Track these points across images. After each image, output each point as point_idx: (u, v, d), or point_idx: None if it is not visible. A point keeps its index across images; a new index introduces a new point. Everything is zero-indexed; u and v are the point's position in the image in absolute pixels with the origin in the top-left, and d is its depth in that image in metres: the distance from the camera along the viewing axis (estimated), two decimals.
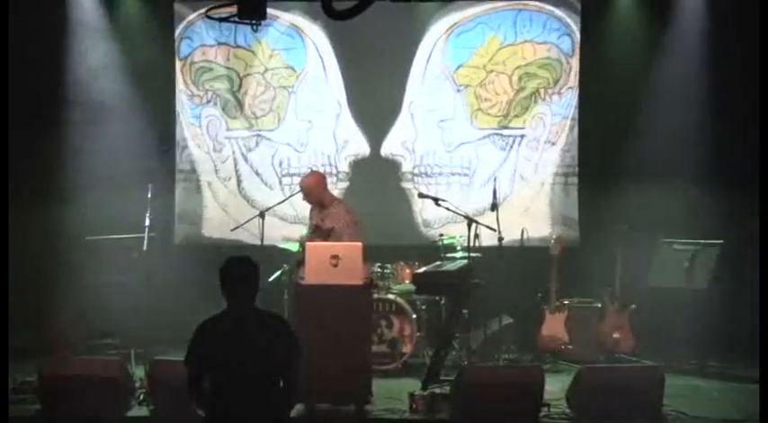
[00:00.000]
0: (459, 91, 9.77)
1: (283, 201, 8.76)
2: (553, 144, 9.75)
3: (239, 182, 9.92)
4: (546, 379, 6.71)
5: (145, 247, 8.33)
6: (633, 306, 8.67)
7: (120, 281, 8.57)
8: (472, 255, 8.00)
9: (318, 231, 7.75)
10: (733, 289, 8.59)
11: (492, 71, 9.73)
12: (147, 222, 8.22)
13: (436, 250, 8.90)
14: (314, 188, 7.95)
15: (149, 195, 7.89)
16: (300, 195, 8.44)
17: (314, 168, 9.30)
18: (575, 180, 9.74)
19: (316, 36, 9.82)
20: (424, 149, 9.83)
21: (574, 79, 9.68)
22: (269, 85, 9.87)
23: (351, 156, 9.88)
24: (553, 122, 9.73)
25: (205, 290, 7.72)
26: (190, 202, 9.97)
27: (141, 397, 6.96)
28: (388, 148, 9.85)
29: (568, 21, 9.66)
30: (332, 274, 6.90)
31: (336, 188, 9.81)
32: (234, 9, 6.25)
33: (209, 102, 9.93)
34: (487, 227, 8.12)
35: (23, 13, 8.86)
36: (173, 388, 6.15)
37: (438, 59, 9.79)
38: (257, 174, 9.91)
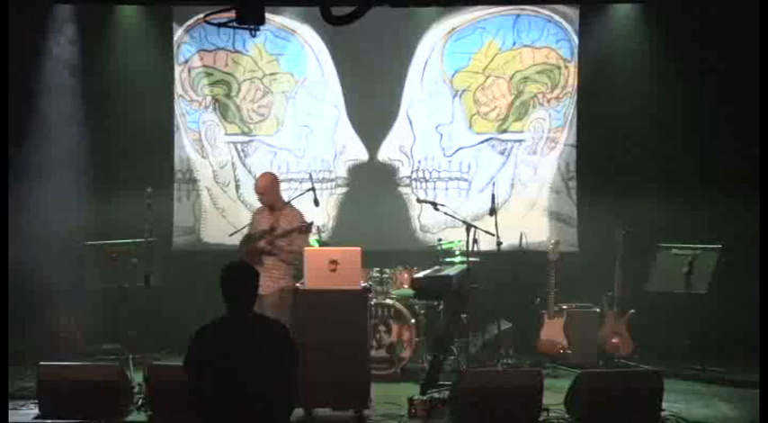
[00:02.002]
0: (457, 96, 9.78)
1: None
2: (552, 149, 9.75)
3: (237, 187, 9.91)
4: (545, 383, 6.71)
5: (144, 252, 8.32)
6: (632, 311, 8.68)
7: (118, 286, 8.56)
8: (471, 259, 8.01)
9: (271, 233, 7.64)
10: (732, 293, 8.59)
11: (490, 76, 9.74)
12: (147, 227, 8.20)
13: (435, 255, 8.91)
14: (270, 187, 7.85)
15: (148, 200, 7.88)
16: (298, 200, 8.48)
17: (312, 173, 9.29)
18: (573, 185, 9.74)
19: (314, 41, 9.83)
20: (422, 154, 9.84)
21: (572, 84, 9.69)
22: (267, 91, 9.88)
23: (349, 161, 9.88)
24: (551, 127, 9.74)
25: (204, 295, 7.74)
26: (188, 207, 9.96)
27: (140, 402, 6.95)
28: (386, 152, 9.86)
29: (567, 26, 9.67)
30: (330, 279, 6.90)
31: (335, 193, 9.84)
32: (232, 14, 6.26)
33: (207, 107, 9.93)
34: (486, 232, 8.13)
35: (27, 21, 8.93)
36: (171, 393, 6.14)
37: (436, 64, 9.80)
38: (256, 179, 9.88)
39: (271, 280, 7.47)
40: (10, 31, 8.01)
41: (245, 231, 8.39)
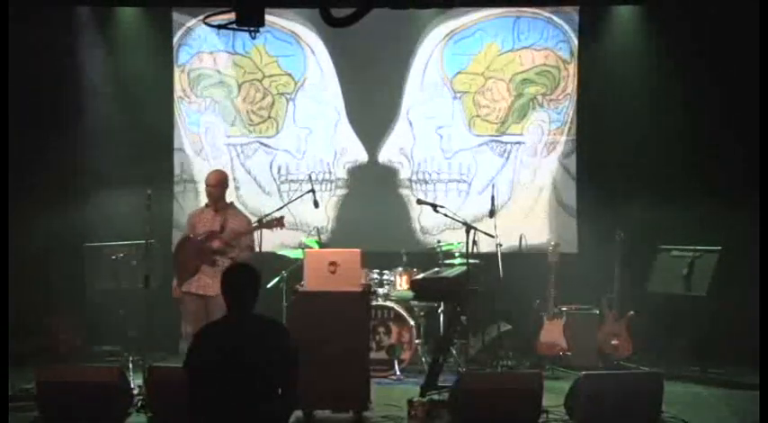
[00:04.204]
0: (457, 97, 9.78)
1: (281, 207, 8.75)
2: (551, 150, 9.76)
3: (237, 188, 9.90)
4: (544, 385, 6.70)
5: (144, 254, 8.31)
6: (631, 312, 8.68)
7: (118, 288, 8.56)
8: (470, 261, 8.00)
9: (221, 233, 7.54)
10: (731, 295, 8.58)
11: (490, 78, 9.75)
12: (146, 229, 8.20)
13: (435, 257, 8.92)
14: (223, 183, 7.80)
15: (148, 202, 7.88)
16: (297, 202, 8.53)
17: (312, 175, 9.31)
18: (573, 186, 9.75)
19: (314, 43, 9.84)
20: (422, 156, 9.84)
21: (572, 86, 9.70)
22: (267, 92, 9.88)
23: (349, 163, 9.88)
24: (551, 129, 9.75)
25: None
26: (188, 208, 9.93)
27: (139, 404, 6.95)
28: (386, 154, 9.87)
29: (566, 28, 9.68)
30: (330, 281, 6.91)
31: (335, 195, 9.84)
32: (232, 16, 6.25)
33: (207, 108, 9.93)
34: (485, 233, 8.13)
35: (30, 22, 8.94)
36: (170, 394, 6.13)
37: (436, 66, 9.80)
38: (255, 180, 9.91)
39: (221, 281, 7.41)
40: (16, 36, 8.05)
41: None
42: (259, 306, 4.66)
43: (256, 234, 7.83)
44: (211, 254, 7.49)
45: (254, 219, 7.91)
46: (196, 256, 7.51)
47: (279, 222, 7.66)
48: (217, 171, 8.06)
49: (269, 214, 8.32)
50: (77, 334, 9.10)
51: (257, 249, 7.95)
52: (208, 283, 7.46)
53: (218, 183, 7.76)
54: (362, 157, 9.88)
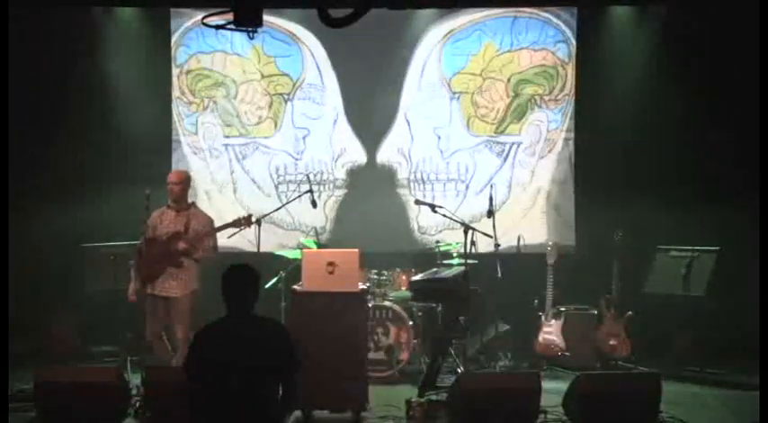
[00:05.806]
0: (455, 98, 9.78)
1: (280, 208, 8.77)
2: (550, 151, 9.76)
3: (235, 189, 9.90)
4: (543, 385, 6.70)
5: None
6: (630, 313, 8.68)
7: (116, 288, 8.55)
8: (469, 261, 8.01)
9: (179, 235, 7.44)
10: (730, 295, 8.59)
11: (488, 78, 9.74)
12: (144, 229, 8.19)
13: (433, 257, 8.92)
14: (185, 181, 7.71)
15: (146, 202, 7.86)
16: (296, 202, 8.52)
17: (310, 175, 9.32)
18: (571, 186, 9.75)
19: (312, 43, 9.83)
20: (420, 156, 9.84)
21: (570, 86, 9.70)
22: (265, 93, 9.87)
23: (347, 163, 9.88)
24: (549, 129, 9.74)
25: (202, 295, 7.75)
26: None
27: (137, 405, 6.94)
28: (385, 155, 9.86)
29: (565, 28, 9.67)
30: (328, 281, 6.90)
31: (334, 195, 9.83)
32: (230, 16, 6.25)
33: (205, 109, 9.92)
34: (484, 234, 8.13)
35: (29, 23, 8.98)
36: (169, 395, 6.13)
37: (434, 66, 9.80)
38: (253, 181, 9.90)
39: (184, 282, 7.40)
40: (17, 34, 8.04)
41: (244, 233, 8.36)
42: (257, 306, 4.67)
43: (254, 235, 7.83)
44: (177, 255, 7.44)
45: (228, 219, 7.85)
46: (162, 258, 7.46)
47: (247, 221, 7.61)
48: (178, 169, 8.07)
49: (267, 215, 8.31)
50: (76, 334, 9.09)
51: (256, 249, 7.97)
52: (172, 284, 7.43)
53: (181, 180, 7.68)
54: (361, 157, 9.87)
